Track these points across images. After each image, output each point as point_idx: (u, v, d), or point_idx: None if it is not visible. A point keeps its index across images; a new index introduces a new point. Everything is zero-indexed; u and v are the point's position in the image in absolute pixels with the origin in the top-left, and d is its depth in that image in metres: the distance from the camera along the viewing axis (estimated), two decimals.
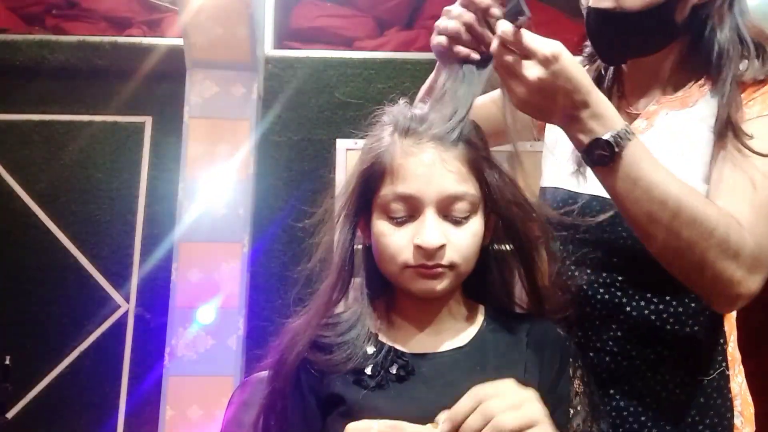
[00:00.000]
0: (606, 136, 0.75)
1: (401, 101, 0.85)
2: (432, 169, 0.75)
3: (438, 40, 0.84)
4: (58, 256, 2.55)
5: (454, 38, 0.83)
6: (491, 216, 0.81)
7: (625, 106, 1.00)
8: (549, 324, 0.82)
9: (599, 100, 0.76)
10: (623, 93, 1.02)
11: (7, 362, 2.20)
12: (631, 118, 0.97)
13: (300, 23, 3.04)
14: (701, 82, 0.95)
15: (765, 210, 0.82)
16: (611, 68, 1.03)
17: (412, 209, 0.76)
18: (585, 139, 0.76)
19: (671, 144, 0.91)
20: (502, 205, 0.81)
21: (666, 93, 0.98)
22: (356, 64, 2.69)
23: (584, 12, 0.95)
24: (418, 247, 0.74)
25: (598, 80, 1.02)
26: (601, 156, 0.76)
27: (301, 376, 0.78)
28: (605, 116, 0.76)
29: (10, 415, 2.35)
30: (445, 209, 0.76)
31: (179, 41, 2.54)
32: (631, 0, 0.88)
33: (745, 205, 0.82)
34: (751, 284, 0.79)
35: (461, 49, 0.83)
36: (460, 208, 0.76)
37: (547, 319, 0.83)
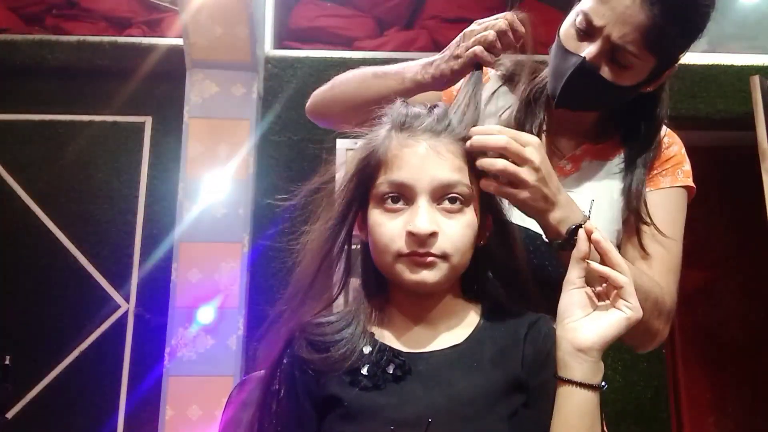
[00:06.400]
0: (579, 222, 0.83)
1: (398, 100, 0.85)
2: (426, 159, 0.77)
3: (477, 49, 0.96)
4: (58, 256, 2.55)
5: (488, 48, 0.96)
6: (487, 214, 0.82)
7: (549, 143, 1.09)
8: (546, 319, 0.82)
9: (565, 196, 0.86)
10: (548, 131, 1.10)
11: (7, 362, 2.20)
12: (557, 156, 1.08)
13: (300, 23, 3.04)
14: (617, 138, 1.09)
15: (675, 271, 1.03)
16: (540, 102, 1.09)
17: (406, 198, 0.77)
18: (562, 228, 0.84)
19: (592, 190, 1.05)
20: (495, 202, 0.83)
21: (587, 139, 1.09)
22: (356, 64, 2.63)
23: (565, 56, 0.99)
24: (410, 234, 0.74)
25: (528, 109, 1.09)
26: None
27: (297, 377, 0.77)
28: (572, 208, 0.86)
29: (10, 415, 2.36)
30: (439, 198, 0.76)
31: (179, 41, 2.54)
32: (625, 79, 0.97)
33: (663, 268, 1.01)
34: (666, 333, 1.01)
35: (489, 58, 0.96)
36: (453, 197, 0.77)
37: (544, 315, 0.83)
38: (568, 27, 1.00)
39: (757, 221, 2.40)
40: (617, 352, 2.57)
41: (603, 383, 0.73)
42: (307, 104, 1.22)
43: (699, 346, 3.10)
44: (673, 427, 2.76)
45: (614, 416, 2.50)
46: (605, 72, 0.96)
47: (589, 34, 0.95)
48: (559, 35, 1.02)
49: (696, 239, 3.35)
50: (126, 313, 2.54)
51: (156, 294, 2.50)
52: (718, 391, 3.06)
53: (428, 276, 0.75)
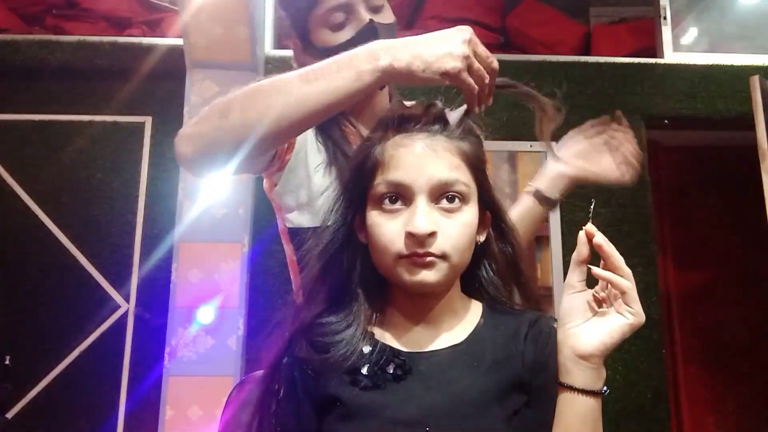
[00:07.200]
0: None
1: (395, 99, 0.85)
2: (422, 158, 0.76)
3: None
4: (58, 256, 2.55)
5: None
6: (486, 212, 0.82)
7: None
8: (546, 318, 0.82)
9: None
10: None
11: (7, 362, 2.20)
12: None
13: None
14: None
15: None
16: None
17: (404, 198, 0.76)
18: None
19: None
20: (494, 201, 0.83)
21: None
22: None
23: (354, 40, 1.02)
24: (410, 234, 0.74)
25: None
26: None
27: (297, 377, 0.77)
28: None
29: (10, 415, 2.35)
30: (437, 197, 0.76)
31: (179, 41, 2.54)
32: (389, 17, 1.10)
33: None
34: None
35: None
36: (452, 195, 0.76)
37: (545, 314, 0.83)
38: (321, 35, 1.08)
39: (757, 221, 2.40)
40: (617, 352, 2.56)
41: (605, 388, 0.73)
42: (183, 148, 0.95)
43: (699, 346, 3.10)
44: (673, 427, 2.76)
45: (614, 416, 2.50)
46: (381, 18, 1.07)
47: (347, 13, 1.05)
48: (318, 51, 1.07)
49: (696, 239, 3.38)
50: (126, 313, 2.53)
51: (156, 294, 2.50)
52: (718, 391, 3.06)
53: (428, 276, 0.75)
